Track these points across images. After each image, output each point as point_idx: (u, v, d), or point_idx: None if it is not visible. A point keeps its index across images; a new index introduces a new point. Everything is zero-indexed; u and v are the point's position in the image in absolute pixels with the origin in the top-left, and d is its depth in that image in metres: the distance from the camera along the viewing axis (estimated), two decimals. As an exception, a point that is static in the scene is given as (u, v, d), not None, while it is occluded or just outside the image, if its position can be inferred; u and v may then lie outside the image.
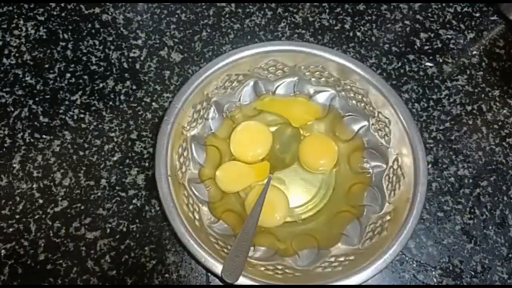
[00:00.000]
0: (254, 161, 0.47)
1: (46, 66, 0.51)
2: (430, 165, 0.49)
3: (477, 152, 0.50)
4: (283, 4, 0.56)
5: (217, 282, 0.43)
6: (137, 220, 0.45)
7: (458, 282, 0.45)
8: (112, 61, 0.52)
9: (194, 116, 0.46)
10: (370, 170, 0.47)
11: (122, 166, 0.47)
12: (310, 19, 0.56)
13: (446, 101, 0.52)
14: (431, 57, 0.55)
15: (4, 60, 0.51)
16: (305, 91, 0.50)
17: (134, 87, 0.51)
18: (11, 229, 0.44)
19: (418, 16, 0.57)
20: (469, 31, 0.57)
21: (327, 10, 0.57)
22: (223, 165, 0.46)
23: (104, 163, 0.47)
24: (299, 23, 0.56)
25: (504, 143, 0.51)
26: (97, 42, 0.53)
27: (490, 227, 0.47)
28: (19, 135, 0.48)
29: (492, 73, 0.54)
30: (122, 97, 0.50)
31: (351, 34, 0.55)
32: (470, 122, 0.52)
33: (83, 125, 0.48)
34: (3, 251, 0.43)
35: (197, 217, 0.43)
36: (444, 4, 0.58)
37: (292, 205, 0.46)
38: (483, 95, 0.53)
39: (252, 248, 0.43)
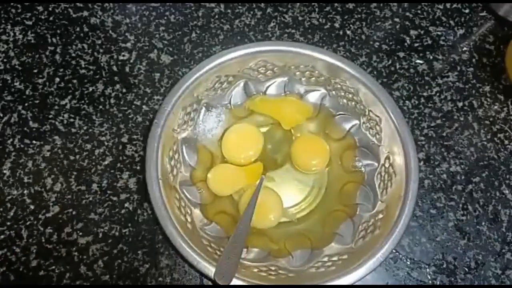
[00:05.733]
0: (247, 163, 0.47)
1: (35, 71, 0.51)
2: (422, 162, 0.49)
3: (469, 148, 0.50)
4: (272, 4, 0.56)
5: (210, 284, 0.43)
6: (129, 224, 0.45)
7: (452, 279, 0.45)
8: (102, 64, 0.51)
9: (184, 118, 0.46)
10: (362, 169, 0.47)
11: (113, 170, 0.47)
12: (300, 18, 0.56)
13: (437, 98, 0.53)
14: (421, 54, 0.55)
15: (-8, 65, 0.51)
16: (296, 91, 0.50)
17: (124, 90, 0.50)
18: (2, 236, 0.44)
19: (407, 14, 0.57)
20: (459, 27, 0.57)
21: (316, 9, 0.56)
22: (214, 168, 0.46)
23: (95, 167, 0.47)
24: (288, 22, 0.55)
25: (495, 138, 0.51)
26: (86, 46, 0.52)
27: (483, 223, 0.47)
28: (9, 141, 0.47)
29: (482, 69, 0.54)
30: (112, 101, 0.50)
31: (341, 32, 0.55)
32: (462, 119, 0.52)
33: (73, 130, 0.48)
34: (-6, 258, 0.43)
35: (189, 219, 0.42)
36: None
37: (285, 205, 0.46)
38: (474, 91, 0.53)
39: (245, 249, 0.43)
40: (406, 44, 0.55)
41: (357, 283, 0.39)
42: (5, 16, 0.53)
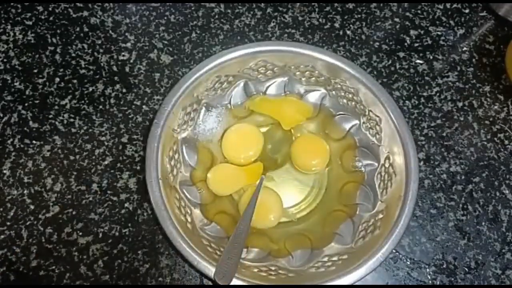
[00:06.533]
0: (247, 163, 0.47)
1: (35, 71, 0.51)
2: (422, 162, 0.49)
3: (469, 148, 0.50)
4: (272, 4, 0.56)
5: (211, 284, 0.43)
6: (129, 224, 0.45)
7: (452, 279, 0.45)
8: (102, 64, 0.51)
9: (184, 118, 0.46)
10: (363, 169, 0.47)
11: (113, 170, 0.47)
12: (300, 18, 0.56)
13: (437, 98, 0.53)
14: (421, 54, 0.55)
15: (-8, 65, 0.51)
16: (296, 91, 0.50)
17: (124, 90, 0.50)
18: (2, 236, 0.44)
19: (407, 14, 0.57)
20: (459, 27, 0.57)
21: (316, 9, 0.56)
22: (214, 167, 0.46)
23: (95, 167, 0.47)
24: (288, 22, 0.55)
25: (495, 138, 0.51)
26: (86, 46, 0.52)
27: (483, 223, 0.47)
28: (9, 141, 0.47)
29: (482, 69, 0.54)
30: (112, 101, 0.50)
31: (341, 32, 0.55)
32: (462, 119, 0.52)
33: (73, 130, 0.48)
34: (-6, 258, 0.43)
35: (189, 219, 0.42)
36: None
37: (285, 205, 0.46)
38: (474, 91, 0.53)
39: (245, 249, 0.43)
40: (406, 44, 0.55)
41: (357, 283, 0.39)
42: (5, 16, 0.53)
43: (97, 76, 0.51)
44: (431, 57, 0.55)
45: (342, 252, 0.42)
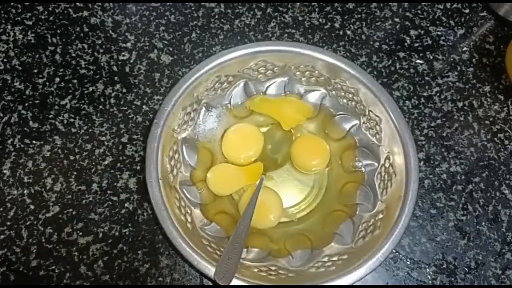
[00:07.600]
0: (247, 163, 0.47)
1: (35, 70, 0.51)
2: (422, 162, 0.49)
3: (469, 148, 0.50)
4: (272, 4, 0.56)
5: (211, 284, 0.43)
6: (129, 224, 0.45)
7: (452, 279, 0.45)
8: (102, 64, 0.51)
9: (184, 118, 0.46)
10: (363, 169, 0.47)
11: (113, 170, 0.47)
12: (300, 18, 0.56)
13: (437, 98, 0.53)
14: (421, 54, 0.55)
15: (-8, 65, 0.51)
16: (296, 91, 0.50)
17: (124, 90, 0.50)
18: (2, 236, 0.44)
19: (407, 14, 0.57)
20: (459, 27, 0.57)
21: (316, 9, 0.56)
22: (214, 167, 0.46)
23: (95, 167, 0.47)
24: (288, 22, 0.55)
25: (495, 138, 0.51)
26: (86, 46, 0.52)
27: (483, 223, 0.47)
28: (9, 141, 0.47)
29: (482, 69, 0.54)
30: (112, 101, 0.50)
31: (341, 32, 0.55)
32: (462, 119, 0.52)
33: (73, 130, 0.48)
34: (-6, 258, 0.43)
35: (189, 219, 0.42)
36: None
37: (285, 205, 0.46)
38: (474, 91, 0.53)
39: (245, 249, 0.43)
40: (406, 44, 0.55)
41: (357, 283, 0.39)
42: (5, 16, 0.53)
43: (97, 76, 0.51)
44: (431, 57, 0.55)
45: (342, 252, 0.42)
